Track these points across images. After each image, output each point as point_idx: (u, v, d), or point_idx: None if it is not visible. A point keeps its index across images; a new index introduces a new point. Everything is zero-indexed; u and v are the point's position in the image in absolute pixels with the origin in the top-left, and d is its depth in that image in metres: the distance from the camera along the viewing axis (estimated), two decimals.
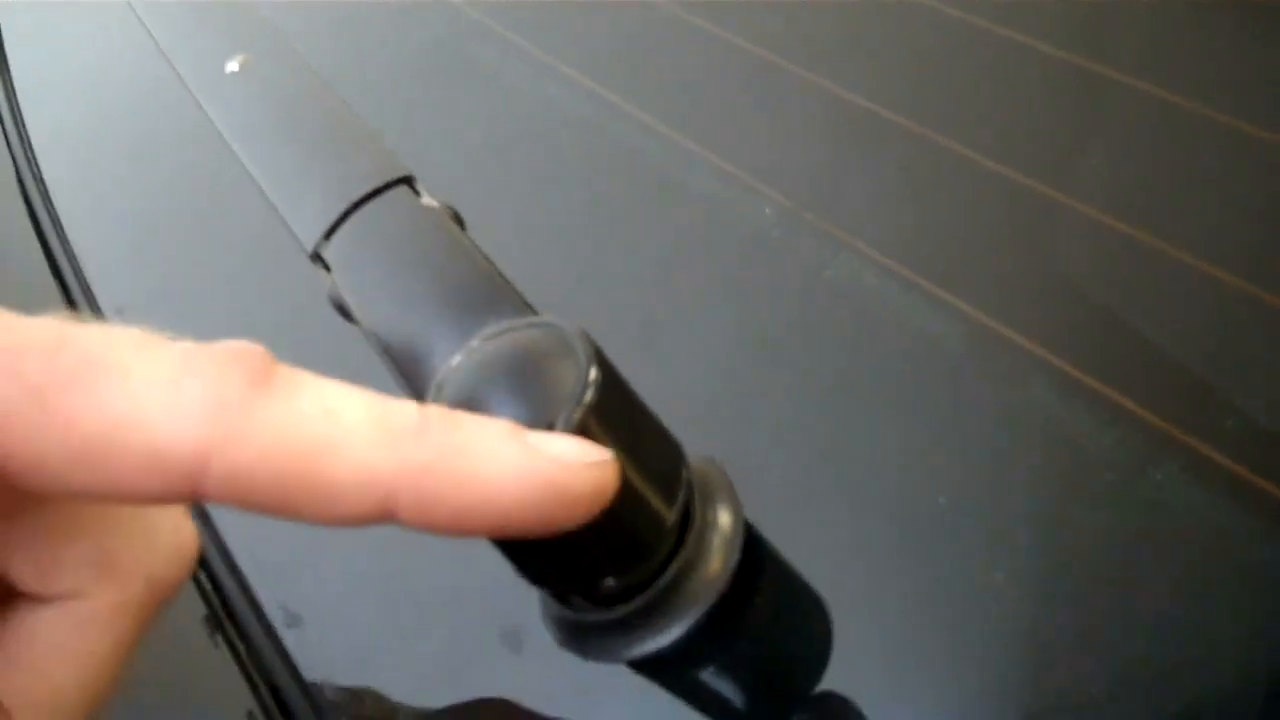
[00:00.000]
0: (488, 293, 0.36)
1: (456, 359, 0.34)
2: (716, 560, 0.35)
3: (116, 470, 0.25)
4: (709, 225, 0.48)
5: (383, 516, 0.28)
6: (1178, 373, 0.36)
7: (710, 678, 0.37)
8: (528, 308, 0.38)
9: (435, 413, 0.28)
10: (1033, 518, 0.35)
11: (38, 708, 0.29)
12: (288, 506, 0.27)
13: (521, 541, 0.33)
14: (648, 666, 0.36)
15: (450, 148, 0.58)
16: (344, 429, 0.27)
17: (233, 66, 0.61)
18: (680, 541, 0.35)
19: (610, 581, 0.33)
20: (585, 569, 0.33)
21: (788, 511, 0.38)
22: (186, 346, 0.27)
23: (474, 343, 0.34)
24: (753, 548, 0.36)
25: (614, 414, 0.32)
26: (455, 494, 0.27)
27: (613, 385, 0.32)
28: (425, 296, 0.36)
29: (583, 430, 0.31)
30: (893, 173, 0.48)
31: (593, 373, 0.31)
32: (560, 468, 0.29)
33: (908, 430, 0.38)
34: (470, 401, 0.32)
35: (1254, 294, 0.37)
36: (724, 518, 0.36)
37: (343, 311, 0.42)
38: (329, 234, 0.41)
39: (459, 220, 0.41)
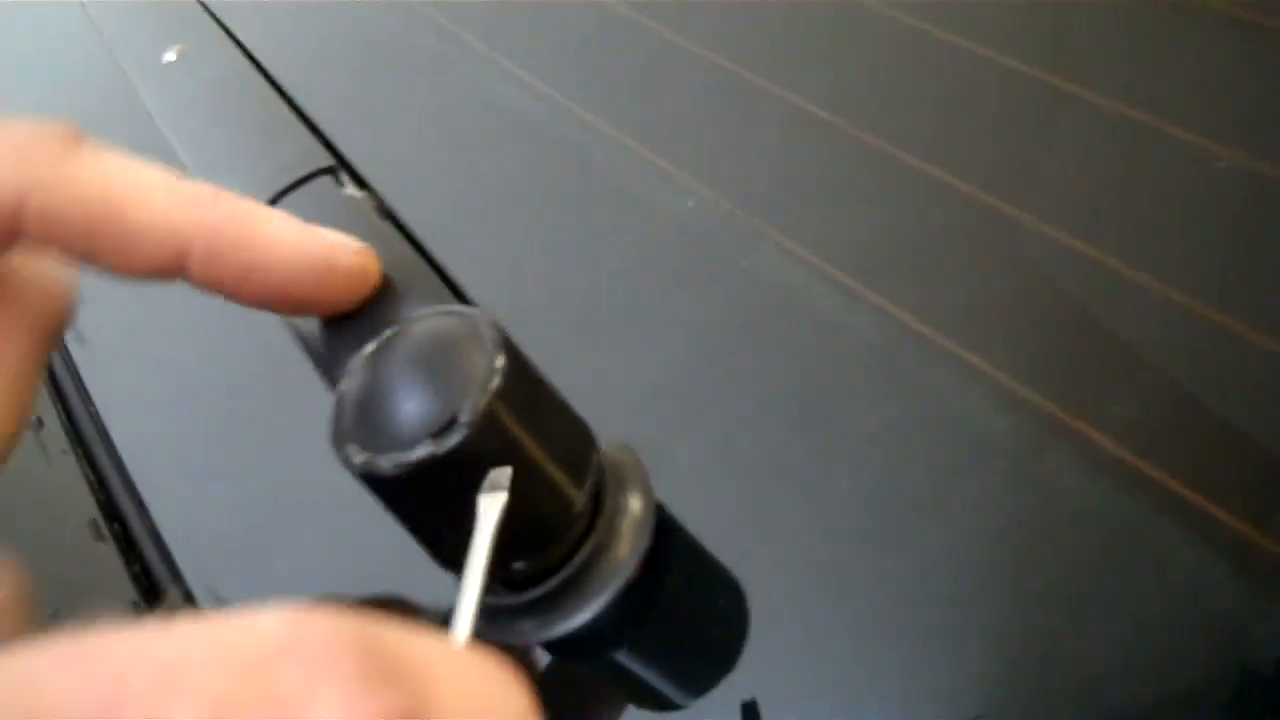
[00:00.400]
0: (404, 282, 0.37)
1: (370, 346, 0.34)
2: (625, 544, 0.36)
3: None
4: (635, 216, 0.48)
5: (177, 269, 0.32)
6: (1071, 359, 0.37)
7: (623, 660, 0.37)
8: (446, 297, 0.39)
9: (228, 193, 0.32)
10: (932, 502, 0.35)
11: None
12: (96, 251, 0.31)
13: (434, 524, 0.33)
14: (560, 649, 0.36)
15: (393, 139, 0.59)
16: (146, 187, 0.31)
17: (170, 56, 0.61)
18: (591, 526, 0.35)
19: (520, 565, 0.34)
20: (495, 551, 0.34)
21: (699, 496, 0.39)
22: (5, 121, 0.31)
23: (387, 331, 0.34)
24: (665, 533, 0.37)
25: (521, 400, 0.32)
26: (240, 254, 0.31)
27: (520, 372, 0.32)
28: None
29: (490, 416, 0.31)
30: (817, 170, 0.49)
31: (499, 360, 0.32)
32: (329, 245, 0.33)
33: (814, 416, 0.39)
34: (379, 386, 0.32)
35: (1144, 283, 0.38)
36: (635, 503, 0.36)
37: None
38: None
39: (385, 210, 0.42)
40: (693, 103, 0.55)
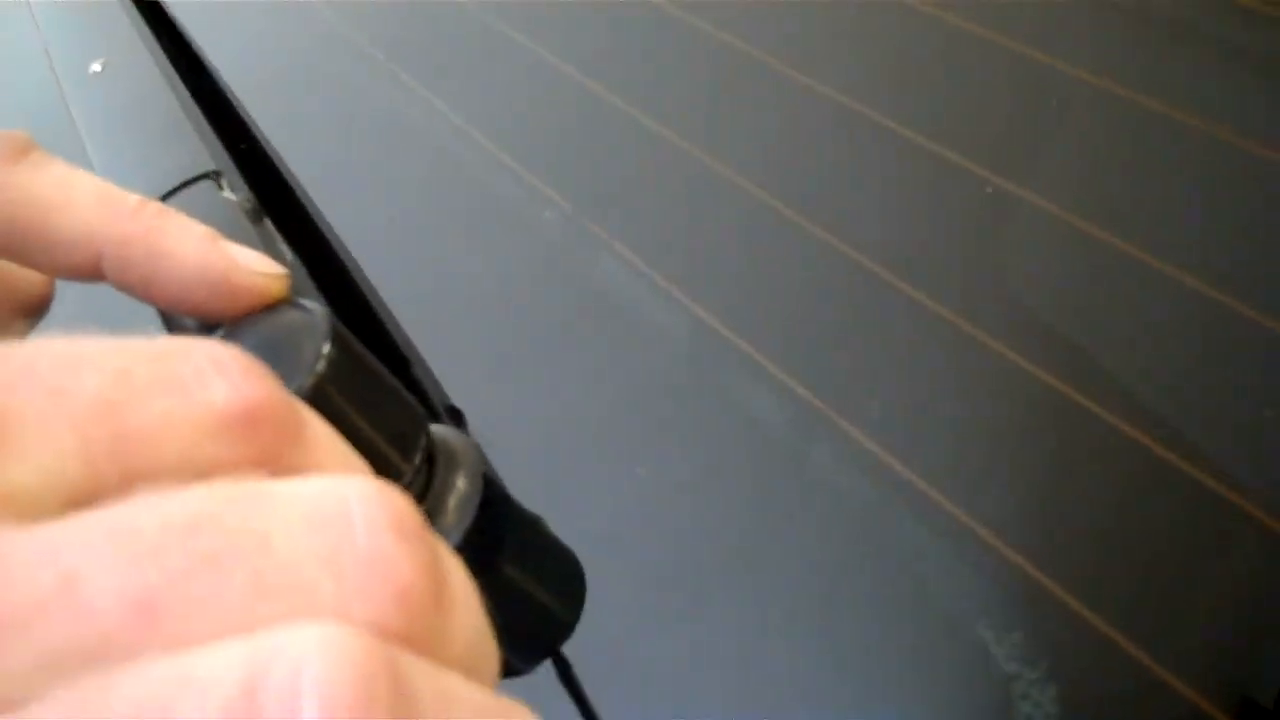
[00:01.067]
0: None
1: (219, 332, 0.38)
2: (450, 517, 0.39)
3: None
4: (499, 223, 0.52)
5: (94, 273, 0.34)
6: (838, 358, 0.41)
7: None
8: (300, 294, 0.42)
9: (154, 204, 0.35)
10: (721, 490, 0.39)
11: None
12: (21, 251, 0.34)
13: None
14: None
15: (300, 141, 0.63)
16: (76, 194, 0.33)
17: (95, 67, 0.65)
18: (420, 501, 0.39)
19: None
20: None
21: (526, 481, 0.43)
22: None
23: (240, 323, 0.38)
24: (493, 511, 0.40)
25: (347, 384, 0.36)
26: (144, 263, 0.34)
27: (349, 359, 0.36)
28: None
29: (316, 393, 0.35)
30: (655, 180, 0.53)
31: (326, 347, 0.35)
32: (234, 265, 0.35)
33: (624, 407, 0.43)
34: None
35: (903, 289, 0.42)
36: (462, 483, 0.40)
37: None
38: None
39: (258, 212, 0.46)
40: (546, 110, 0.59)
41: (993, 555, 0.36)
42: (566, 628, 0.44)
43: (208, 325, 0.42)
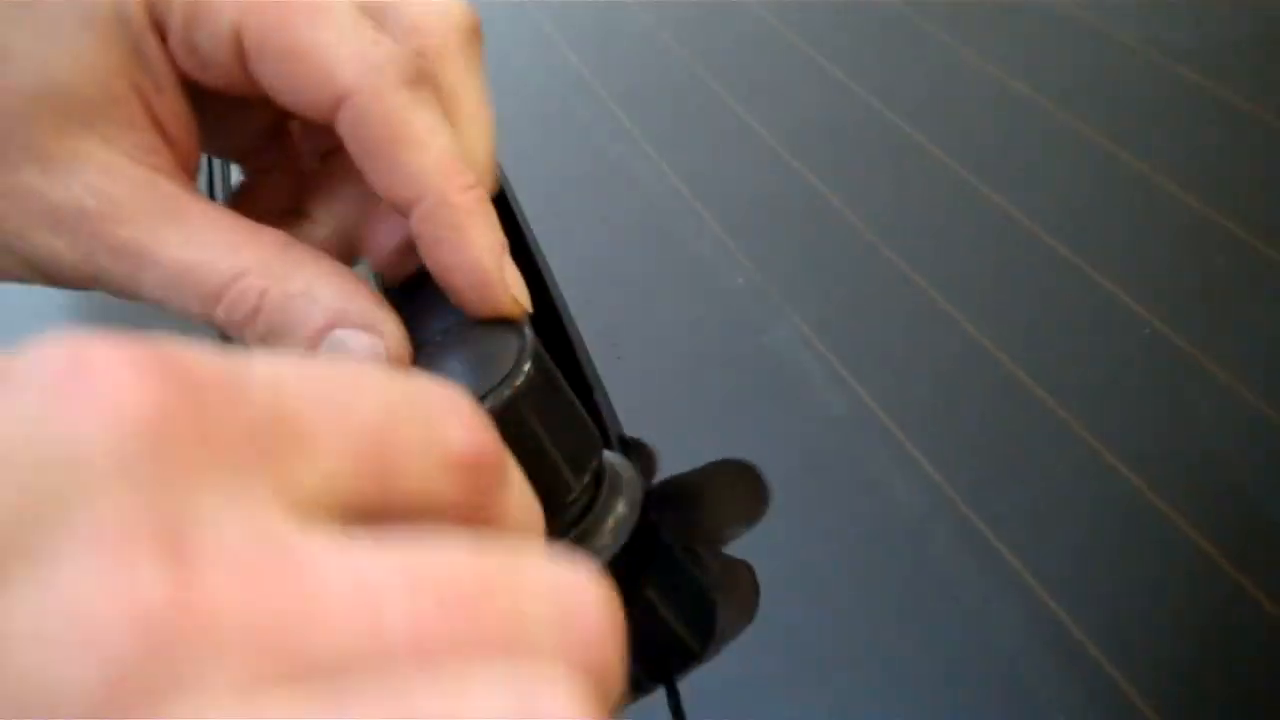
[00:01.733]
0: None
1: (436, 339, 0.43)
2: (606, 538, 0.44)
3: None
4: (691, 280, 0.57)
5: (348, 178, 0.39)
6: (985, 462, 0.44)
7: None
8: None
9: (478, 192, 0.38)
10: (841, 556, 0.43)
11: None
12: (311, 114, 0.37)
13: None
14: None
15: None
16: (431, 141, 0.37)
17: None
18: (582, 516, 0.43)
19: None
20: None
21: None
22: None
23: (449, 325, 0.43)
24: (645, 538, 0.44)
25: (539, 401, 0.40)
26: (439, 237, 0.37)
27: (543, 379, 0.41)
28: None
29: (512, 406, 0.39)
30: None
31: (527, 365, 0.40)
32: (500, 282, 0.39)
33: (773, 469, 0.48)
34: (427, 367, 0.41)
35: (1081, 434, 0.46)
36: (622, 507, 0.44)
37: None
38: None
39: None
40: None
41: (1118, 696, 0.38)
42: (693, 657, 0.48)
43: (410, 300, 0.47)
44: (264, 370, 0.19)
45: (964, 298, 0.54)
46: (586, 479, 0.42)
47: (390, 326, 0.38)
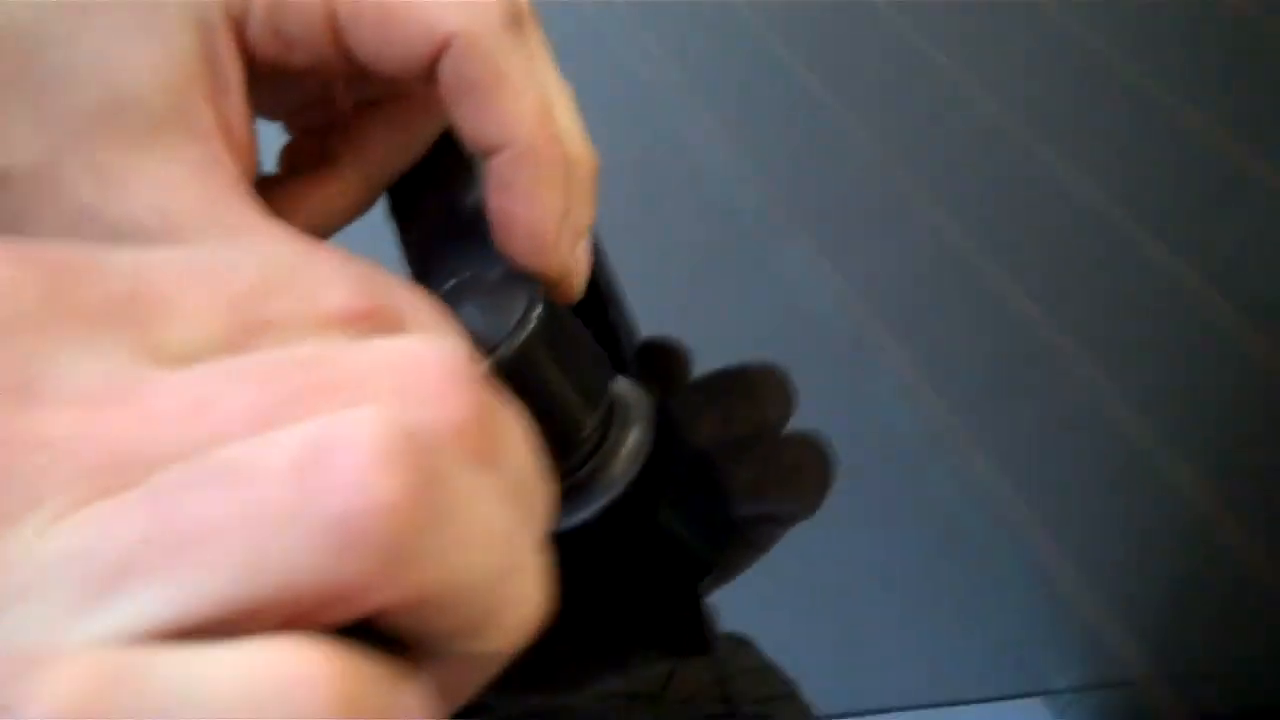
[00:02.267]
0: None
1: (449, 284, 0.43)
2: (619, 467, 0.44)
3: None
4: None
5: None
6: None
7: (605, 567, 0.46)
8: None
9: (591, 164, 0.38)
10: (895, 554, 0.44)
11: None
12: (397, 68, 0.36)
13: None
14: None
15: None
16: (520, 104, 0.36)
17: None
18: (595, 450, 0.44)
19: None
20: None
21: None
22: None
23: (464, 276, 0.43)
24: (658, 463, 0.45)
25: (551, 342, 0.41)
26: (514, 186, 0.37)
27: (554, 319, 0.41)
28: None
29: (523, 351, 0.40)
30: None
31: (538, 310, 0.40)
32: (560, 250, 0.38)
33: None
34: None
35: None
36: (634, 435, 0.45)
37: None
38: None
39: None
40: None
41: None
42: (708, 573, 0.49)
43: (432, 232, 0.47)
44: (124, 255, 0.22)
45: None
46: (600, 412, 0.43)
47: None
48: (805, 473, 0.49)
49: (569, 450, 0.43)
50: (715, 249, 0.62)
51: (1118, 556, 0.44)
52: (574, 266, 0.39)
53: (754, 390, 0.49)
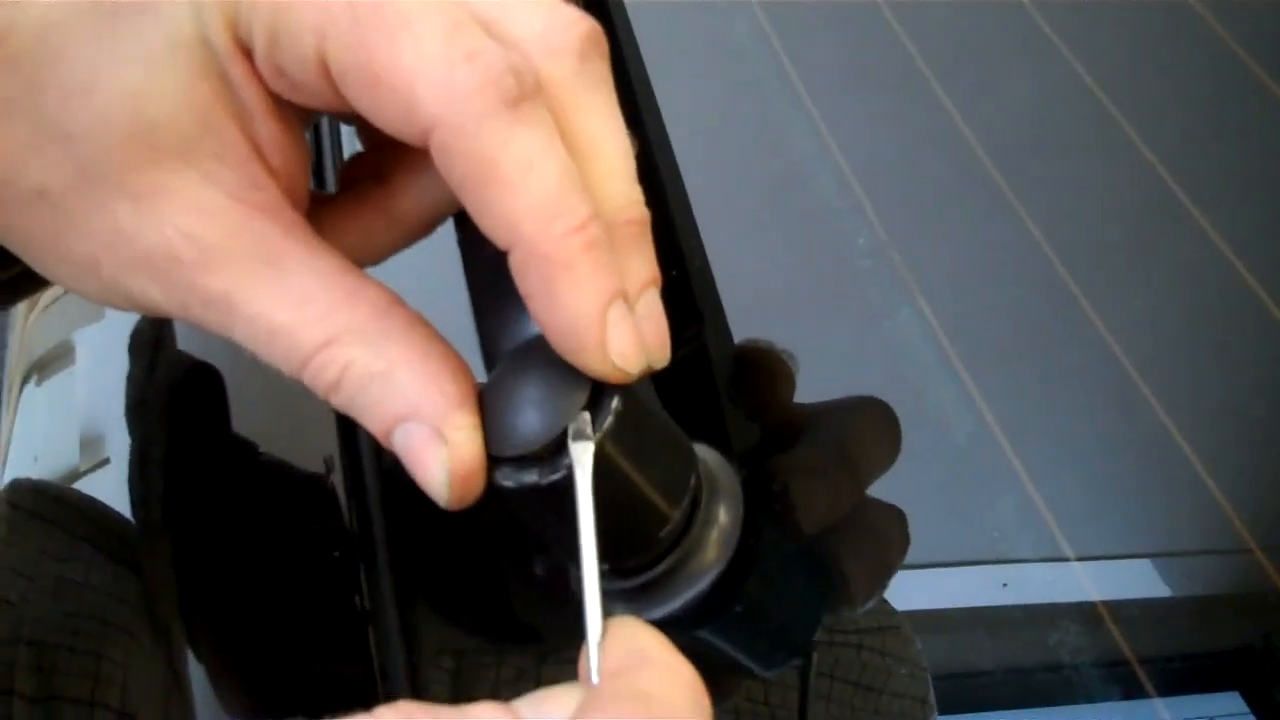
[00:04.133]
0: None
1: (512, 350, 0.40)
2: (712, 553, 0.41)
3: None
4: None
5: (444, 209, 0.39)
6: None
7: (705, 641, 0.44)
8: None
9: (589, 235, 0.34)
10: None
11: None
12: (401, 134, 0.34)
13: (544, 531, 0.40)
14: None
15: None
16: (530, 176, 0.33)
17: None
18: (682, 535, 0.41)
19: (604, 568, 0.40)
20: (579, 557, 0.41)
21: None
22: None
23: (530, 336, 0.40)
24: (749, 541, 0.42)
25: (629, 437, 0.37)
26: (534, 275, 0.34)
27: (633, 410, 0.38)
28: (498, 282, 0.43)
29: (598, 453, 0.37)
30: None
31: (615, 401, 0.37)
32: (599, 343, 0.34)
33: None
34: (510, 393, 0.38)
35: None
36: (724, 515, 0.42)
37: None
38: None
39: None
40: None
41: None
42: (802, 647, 0.46)
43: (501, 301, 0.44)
44: None
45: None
46: (684, 503, 0.40)
47: (461, 434, 0.35)
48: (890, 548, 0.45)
49: (652, 544, 0.40)
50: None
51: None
52: (625, 371, 0.35)
53: (855, 456, 0.46)
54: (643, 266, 0.36)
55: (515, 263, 0.34)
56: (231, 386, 0.54)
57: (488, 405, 0.37)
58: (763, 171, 0.63)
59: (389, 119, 0.33)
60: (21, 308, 0.74)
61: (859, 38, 0.69)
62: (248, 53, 0.34)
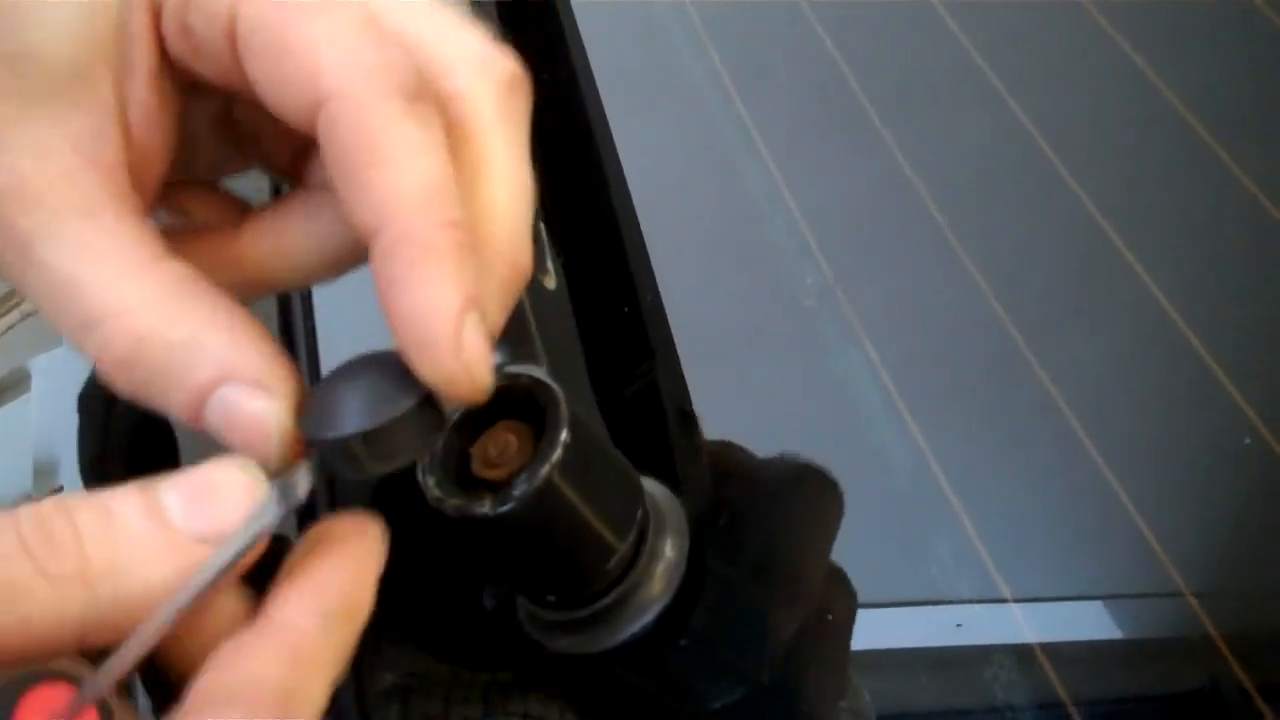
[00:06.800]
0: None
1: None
2: (657, 586, 0.42)
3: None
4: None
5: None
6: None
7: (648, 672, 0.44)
8: (534, 356, 0.45)
9: (453, 235, 0.32)
10: None
11: None
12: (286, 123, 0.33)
13: (499, 557, 0.40)
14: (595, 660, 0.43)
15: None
16: (408, 170, 0.32)
17: None
18: (630, 567, 0.42)
19: (551, 598, 0.41)
20: (528, 587, 0.41)
21: None
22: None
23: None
24: (693, 574, 0.43)
25: (576, 471, 0.38)
26: (389, 279, 0.32)
27: (581, 444, 0.38)
28: None
29: (546, 486, 0.37)
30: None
31: (563, 434, 0.38)
32: (448, 355, 0.32)
33: None
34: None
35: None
36: (670, 550, 0.42)
37: None
38: None
39: (534, 239, 0.48)
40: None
41: None
42: (746, 680, 0.47)
43: None
44: None
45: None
46: (631, 536, 0.41)
47: (288, 385, 0.33)
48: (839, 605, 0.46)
49: (598, 577, 0.41)
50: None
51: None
52: (471, 377, 0.33)
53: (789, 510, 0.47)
54: (498, 310, 0.35)
55: (381, 248, 0.32)
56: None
57: (307, 403, 0.34)
58: (715, 213, 0.64)
59: (284, 90, 0.33)
60: None
61: (812, 84, 0.71)
62: (156, 8, 0.34)
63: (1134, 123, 0.66)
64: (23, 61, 0.32)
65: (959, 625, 0.46)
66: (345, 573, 0.31)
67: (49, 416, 0.64)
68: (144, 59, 0.34)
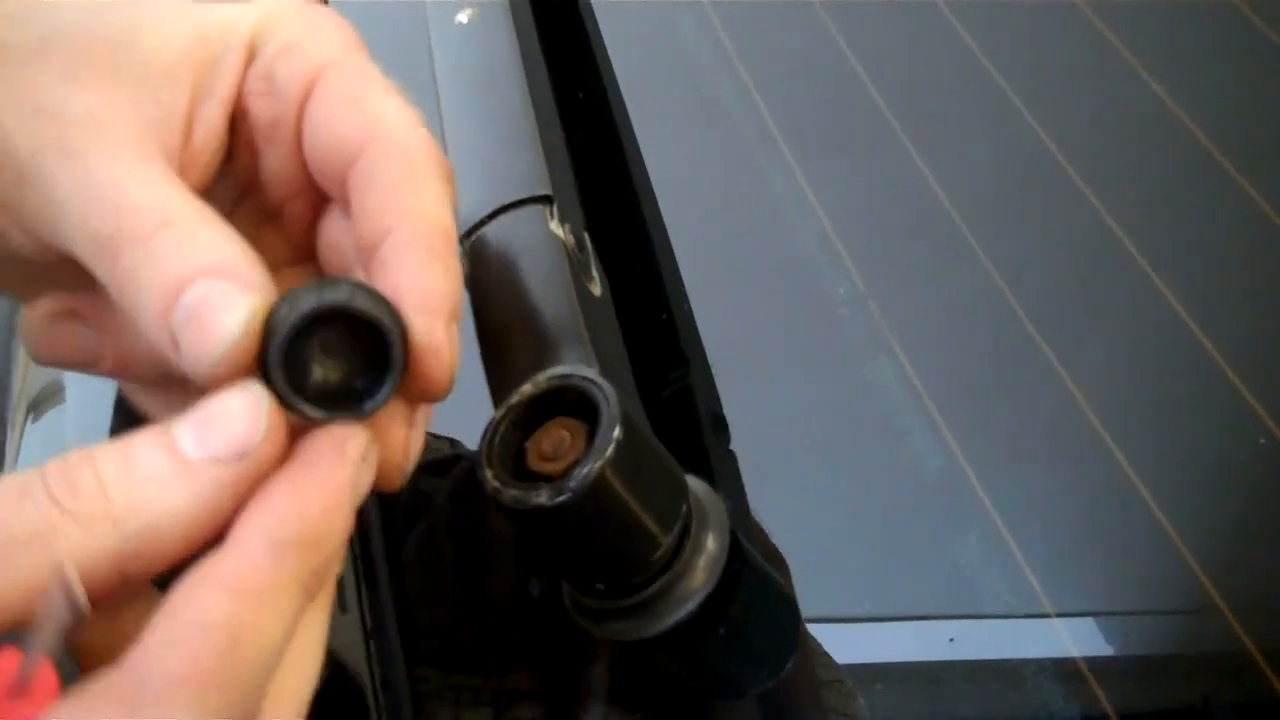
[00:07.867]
0: (556, 335, 0.45)
1: (525, 388, 0.42)
2: (699, 578, 0.44)
3: None
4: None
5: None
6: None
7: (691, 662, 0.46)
8: (586, 358, 0.47)
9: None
10: None
11: None
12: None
13: (547, 550, 0.42)
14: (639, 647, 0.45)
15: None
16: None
17: (462, 18, 0.68)
18: (673, 560, 0.43)
19: (600, 586, 0.42)
20: (578, 575, 0.43)
21: None
22: None
23: (538, 379, 0.42)
24: (735, 567, 0.44)
25: (627, 467, 0.40)
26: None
27: (632, 443, 0.40)
28: (509, 323, 0.45)
29: (598, 483, 0.39)
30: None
31: (616, 431, 0.40)
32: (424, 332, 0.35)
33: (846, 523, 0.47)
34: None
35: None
36: (712, 543, 0.44)
37: None
38: (468, 234, 0.50)
39: (582, 247, 0.49)
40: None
41: None
42: (778, 668, 0.48)
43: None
44: None
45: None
46: (676, 529, 0.42)
47: (270, 286, 0.33)
48: None
49: (644, 567, 0.43)
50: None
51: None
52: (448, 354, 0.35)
53: None
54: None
55: (398, 239, 0.36)
56: None
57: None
58: (748, 224, 0.65)
59: (342, 131, 0.36)
60: (22, 347, 0.75)
61: (839, 100, 0.72)
62: (252, 55, 0.37)
63: (1148, 140, 0.68)
64: (126, 51, 0.36)
65: (953, 640, 0.47)
66: (302, 494, 0.31)
67: (83, 427, 0.66)
68: (224, 89, 0.37)
